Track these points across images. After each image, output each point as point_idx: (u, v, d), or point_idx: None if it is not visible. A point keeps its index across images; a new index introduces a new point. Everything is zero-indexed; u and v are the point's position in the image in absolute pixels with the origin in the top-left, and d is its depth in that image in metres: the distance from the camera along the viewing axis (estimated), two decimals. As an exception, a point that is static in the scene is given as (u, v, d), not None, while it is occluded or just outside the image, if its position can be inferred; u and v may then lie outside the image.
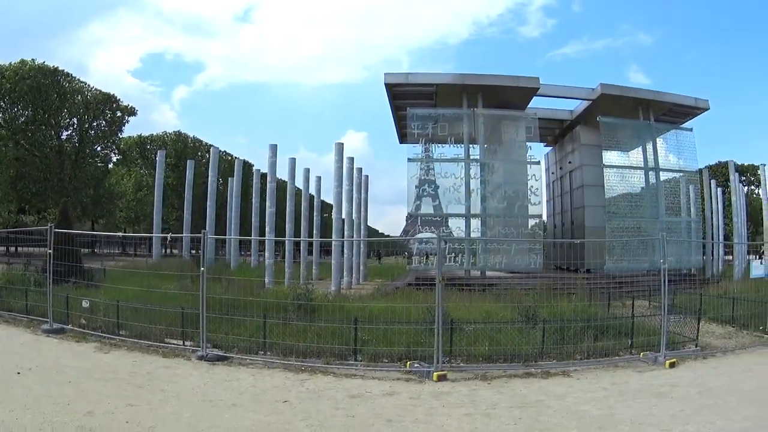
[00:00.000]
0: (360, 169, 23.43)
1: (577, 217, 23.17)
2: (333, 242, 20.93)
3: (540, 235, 20.36)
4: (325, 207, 31.60)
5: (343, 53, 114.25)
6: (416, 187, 20.61)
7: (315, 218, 23.29)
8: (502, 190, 20.44)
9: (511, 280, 18.80)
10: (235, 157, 32.42)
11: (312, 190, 25.37)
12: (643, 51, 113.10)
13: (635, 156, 21.95)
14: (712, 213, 26.68)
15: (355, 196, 23.33)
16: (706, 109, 22.91)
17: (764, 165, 29.42)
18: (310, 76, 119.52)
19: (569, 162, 23.78)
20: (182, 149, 36.78)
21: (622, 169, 21.27)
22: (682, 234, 22.37)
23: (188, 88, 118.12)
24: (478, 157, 20.42)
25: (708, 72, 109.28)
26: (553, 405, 5.82)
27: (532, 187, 20.24)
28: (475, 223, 20.26)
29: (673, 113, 22.80)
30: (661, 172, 22.17)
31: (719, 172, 38.78)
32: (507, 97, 20.96)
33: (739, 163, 46.33)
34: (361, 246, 22.74)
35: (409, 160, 20.39)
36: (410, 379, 6.81)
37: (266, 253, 19.77)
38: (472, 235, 20.04)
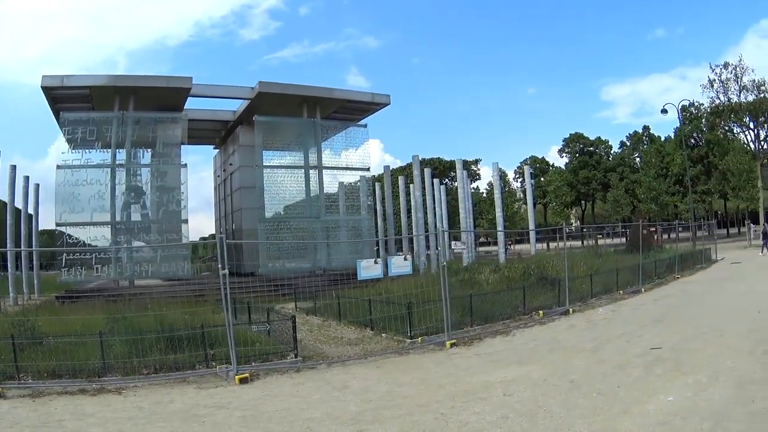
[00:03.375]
0: (27, 177, 22.64)
1: (236, 219, 23.12)
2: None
3: (187, 240, 20.16)
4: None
5: (64, 53, 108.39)
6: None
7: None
8: (148, 195, 20.15)
9: (157, 289, 18.84)
10: None
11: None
12: (366, 55, 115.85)
13: (301, 155, 21.80)
14: (399, 209, 27.15)
15: (22, 204, 22.76)
16: (387, 104, 23.38)
17: (478, 160, 29.94)
18: (31, 77, 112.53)
19: (230, 164, 23.56)
20: None
21: (283, 169, 21.21)
22: (361, 232, 22.44)
23: None
24: (123, 161, 20.05)
25: (439, 73, 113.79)
26: (67, 426, 5.38)
27: (180, 191, 19.99)
28: (123, 231, 20.06)
29: (348, 110, 22.97)
30: (336, 171, 22.17)
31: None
32: (161, 98, 20.43)
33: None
34: (34, 258, 22.18)
35: (58, 167, 19.83)
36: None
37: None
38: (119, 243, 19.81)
